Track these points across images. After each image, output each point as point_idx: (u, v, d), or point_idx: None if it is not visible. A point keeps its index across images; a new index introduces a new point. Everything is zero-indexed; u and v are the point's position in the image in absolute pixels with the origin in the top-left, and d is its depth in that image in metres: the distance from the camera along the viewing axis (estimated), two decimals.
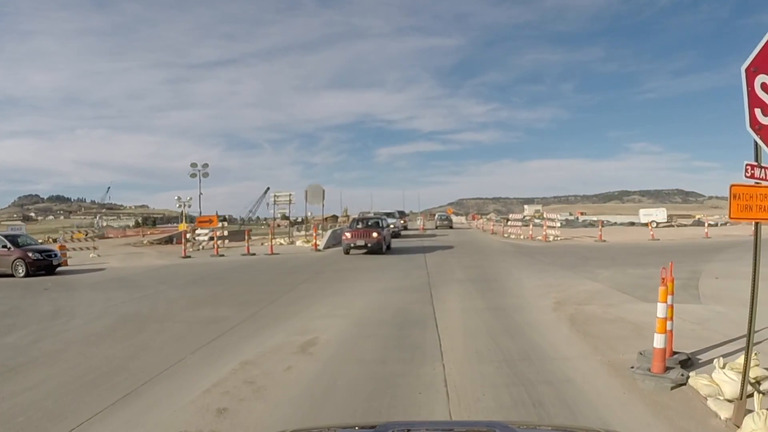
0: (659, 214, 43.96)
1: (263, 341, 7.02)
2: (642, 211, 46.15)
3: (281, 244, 27.06)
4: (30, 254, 16.81)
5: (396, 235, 27.60)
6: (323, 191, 26.75)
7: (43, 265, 16.98)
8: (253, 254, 21.46)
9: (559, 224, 27.39)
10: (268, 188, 28.02)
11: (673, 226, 40.10)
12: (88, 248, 24.66)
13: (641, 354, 5.93)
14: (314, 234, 23.08)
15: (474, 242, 25.90)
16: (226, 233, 28.26)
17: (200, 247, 26.90)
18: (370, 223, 20.88)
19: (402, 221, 39.71)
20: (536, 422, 4.28)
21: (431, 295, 10.14)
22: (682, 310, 8.52)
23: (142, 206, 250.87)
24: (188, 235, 31.13)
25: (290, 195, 27.67)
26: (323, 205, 27.36)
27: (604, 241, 24.21)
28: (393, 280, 12.55)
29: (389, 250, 20.60)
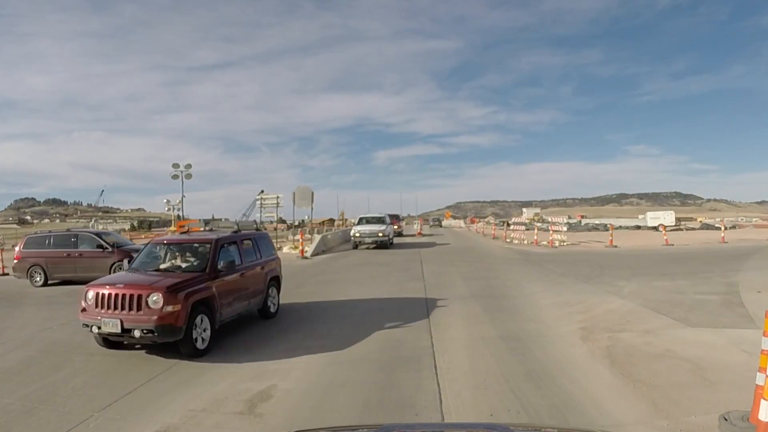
0: (667, 217, 42.27)
1: (203, 391, 5.24)
2: (649, 214, 44.41)
3: None
4: (134, 255, 14.46)
5: (383, 245, 23.44)
6: (312, 193, 24.91)
7: None
8: None
9: (565, 228, 25.61)
10: (263, 191, 25.79)
11: (681, 229, 38.41)
12: None
13: (725, 420, 4.18)
14: (301, 240, 21.18)
15: (475, 248, 24.07)
16: None
17: None
18: None
19: (395, 226, 32.31)
20: (536, 424, 4.22)
21: (429, 318, 8.35)
22: (739, 337, 6.80)
23: (139, 209, 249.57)
24: None
25: (278, 197, 25.84)
26: (312, 208, 25.56)
27: (615, 246, 22.44)
28: (384, 294, 10.76)
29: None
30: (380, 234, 23.32)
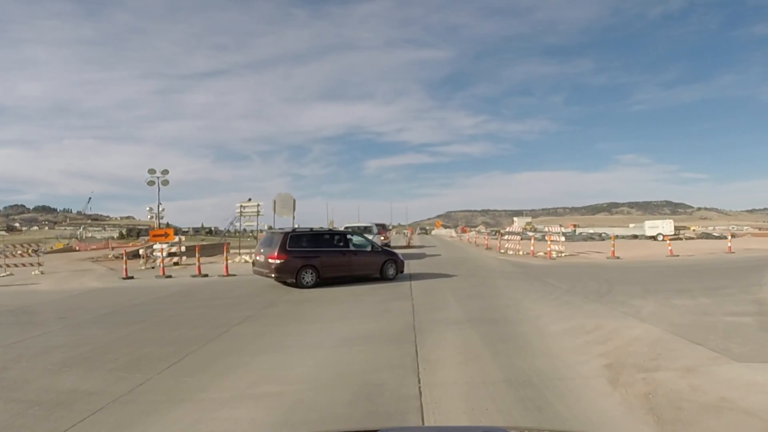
0: (666, 226, 40.96)
1: None
2: (647, 223, 43.07)
3: (246, 261, 23.58)
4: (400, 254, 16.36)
5: None
6: (294, 201, 23.30)
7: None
8: (206, 275, 17.97)
9: (563, 239, 24.18)
10: (250, 199, 24.13)
11: (681, 239, 37.19)
12: (32, 264, 21.71)
13: None
14: None
15: (468, 260, 22.54)
16: (183, 248, 24.83)
17: (157, 263, 23.53)
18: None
19: (382, 237, 28.22)
20: (535, 426, 4.21)
21: (416, 352, 6.77)
22: None
23: (128, 217, 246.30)
24: (142, 251, 27.75)
25: (258, 206, 24.21)
26: (294, 217, 23.92)
27: (618, 258, 21.06)
28: (364, 321, 9.14)
29: None
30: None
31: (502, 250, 27.03)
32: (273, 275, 13.76)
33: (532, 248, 23.63)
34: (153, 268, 22.11)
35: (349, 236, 15.72)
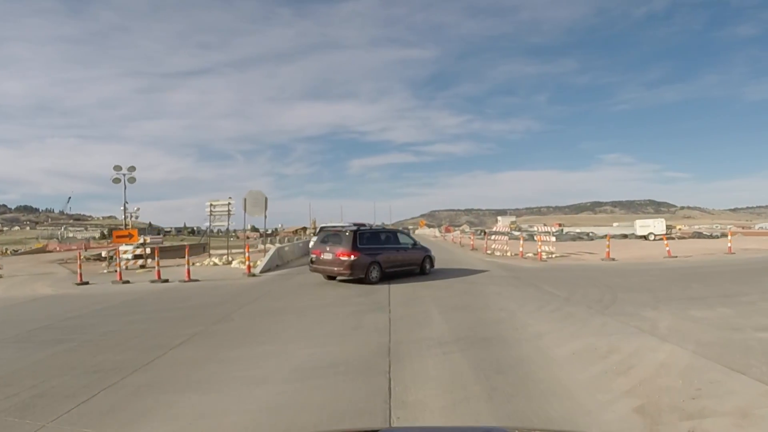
0: (657, 225, 39.76)
1: None
2: (638, 222, 41.83)
3: (215, 264, 21.89)
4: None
5: None
6: (266, 199, 21.54)
7: None
8: (165, 281, 16.24)
9: (554, 239, 22.80)
10: (230, 198, 22.24)
11: (674, 238, 36.11)
12: None
13: None
14: (247, 252, 17.88)
15: (453, 262, 20.98)
16: (148, 250, 23.12)
17: (125, 267, 21.79)
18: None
19: None
20: (535, 426, 4.15)
21: (389, 390, 5.23)
22: None
23: (110, 217, 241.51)
24: (105, 253, 25.96)
25: (229, 204, 22.48)
26: (266, 216, 22.20)
27: (613, 259, 19.74)
28: (329, 341, 7.54)
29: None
30: None
31: (489, 251, 25.65)
32: (346, 272, 13.88)
33: (521, 249, 22.21)
34: (116, 271, 20.33)
35: (397, 234, 16.61)
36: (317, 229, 23.63)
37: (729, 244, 22.35)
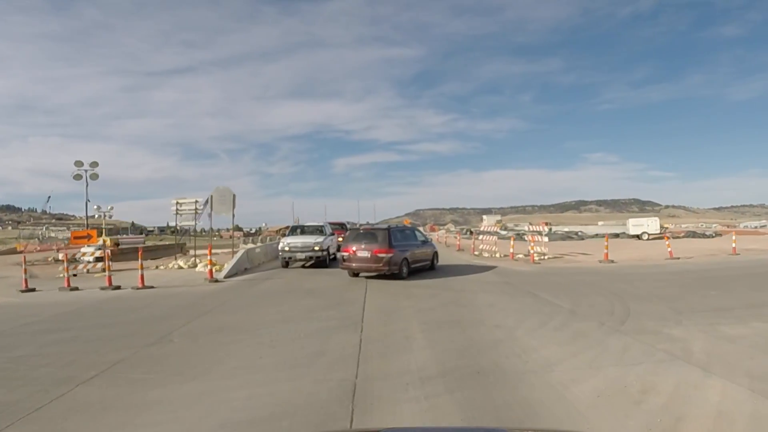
0: (651, 224, 38.49)
1: None
2: (631, 221, 40.50)
3: (180, 267, 20.04)
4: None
5: (320, 262, 18.37)
6: (234, 196, 19.68)
7: None
8: (117, 287, 14.38)
9: (547, 239, 21.29)
10: (210, 196, 20.22)
11: (668, 238, 34.79)
12: None
13: None
14: (209, 254, 16.05)
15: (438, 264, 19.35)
16: (109, 252, 21.18)
17: (85, 270, 19.92)
18: None
19: (340, 238, 20.31)
20: (535, 427, 4.11)
21: None
22: None
23: (92, 216, 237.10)
24: (62, 255, 23.99)
25: (196, 202, 20.63)
26: (234, 215, 20.38)
27: (612, 261, 18.27)
28: (278, 375, 5.77)
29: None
30: (315, 248, 18.20)
31: (477, 252, 24.06)
32: (384, 268, 14.06)
33: (511, 250, 20.63)
34: (75, 275, 18.39)
35: (414, 231, 17.43)
36: (289, 229, 21.85)
37: (733, 245, 20.99)
